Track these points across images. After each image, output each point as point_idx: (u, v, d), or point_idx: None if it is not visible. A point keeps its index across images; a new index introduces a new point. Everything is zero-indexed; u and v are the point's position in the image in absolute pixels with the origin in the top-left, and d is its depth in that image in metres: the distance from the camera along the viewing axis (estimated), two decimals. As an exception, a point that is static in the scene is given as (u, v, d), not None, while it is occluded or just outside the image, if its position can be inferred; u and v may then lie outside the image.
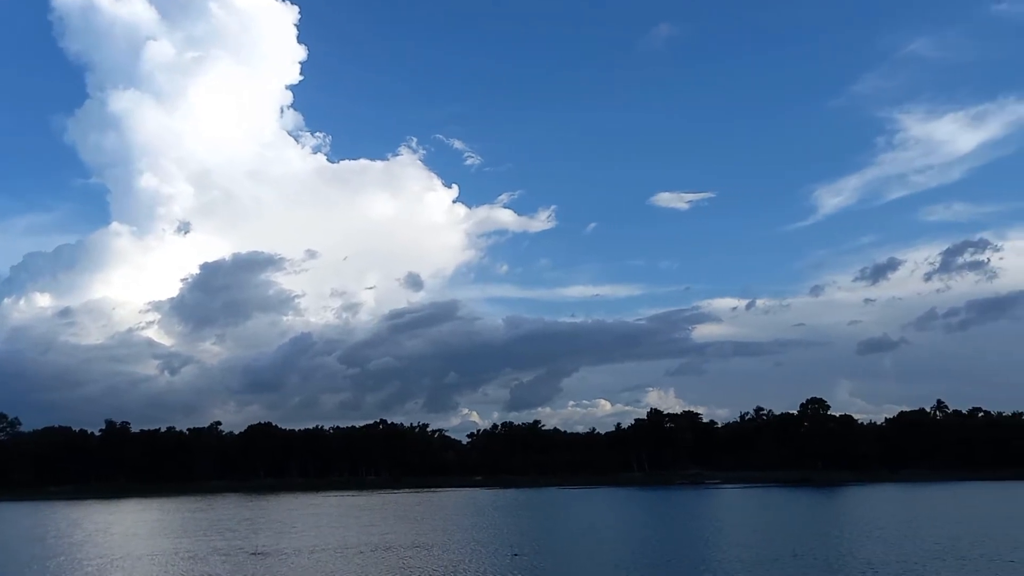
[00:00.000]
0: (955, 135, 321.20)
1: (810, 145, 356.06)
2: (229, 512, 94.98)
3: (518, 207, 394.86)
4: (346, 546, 51.32)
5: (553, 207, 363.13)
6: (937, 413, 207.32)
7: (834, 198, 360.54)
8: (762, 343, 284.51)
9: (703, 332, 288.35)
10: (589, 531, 64.30)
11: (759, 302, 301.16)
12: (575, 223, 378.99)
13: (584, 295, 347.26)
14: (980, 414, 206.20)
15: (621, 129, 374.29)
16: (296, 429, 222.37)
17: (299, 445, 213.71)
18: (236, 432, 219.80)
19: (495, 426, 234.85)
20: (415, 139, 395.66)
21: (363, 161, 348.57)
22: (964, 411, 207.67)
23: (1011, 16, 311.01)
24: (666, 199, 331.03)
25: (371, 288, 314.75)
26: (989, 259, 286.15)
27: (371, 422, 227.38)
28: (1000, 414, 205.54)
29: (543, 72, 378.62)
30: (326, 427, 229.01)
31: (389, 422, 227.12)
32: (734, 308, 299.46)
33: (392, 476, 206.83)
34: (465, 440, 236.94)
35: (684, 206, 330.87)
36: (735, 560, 41.92)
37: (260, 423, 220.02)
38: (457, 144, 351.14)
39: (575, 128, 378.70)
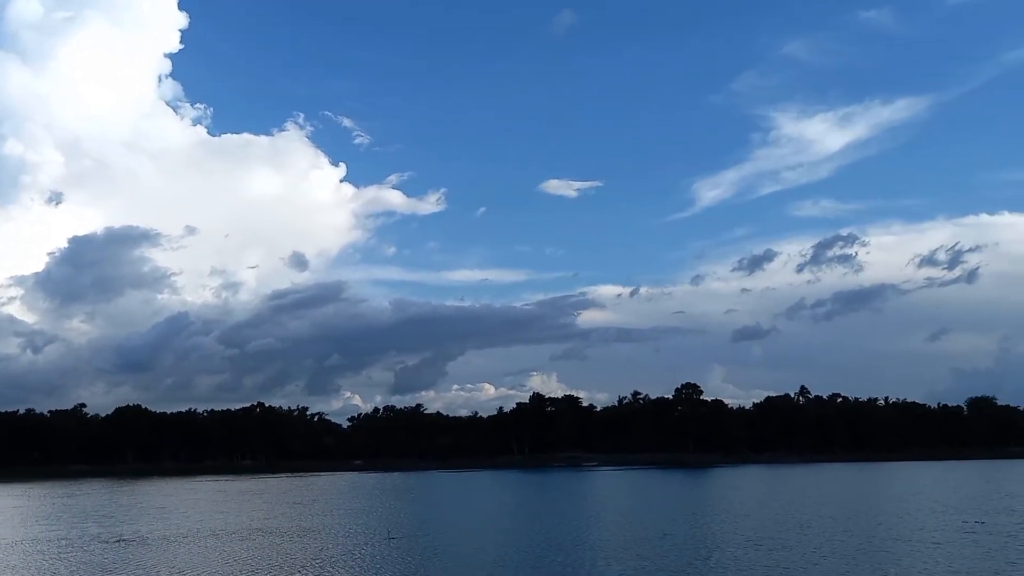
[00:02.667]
0: (824, 135, 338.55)
1: (691, 139, 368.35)
2: (103, 498, 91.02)
3: (407, 189, 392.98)
4: (228, 531, 50.23)
5: (443, 190, 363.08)
6: (800, 398, 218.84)
7: (712, 191, 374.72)
8: (643, 329, 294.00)
9: (588, 318, 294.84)
10: (465, 513, 64.99)
11: (642, 290, 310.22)
12: (464, 207, 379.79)
13: (471, 279, 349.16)
14: (839, 399, 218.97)
15: (514, 115, 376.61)
16: (168, 412, 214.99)
17: (171, 428, 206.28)
18: (103, 415, 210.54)
19: (377, 409, 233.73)
20: (302, 115, 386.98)
21: (246, 135, 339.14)
22: (824, 396, 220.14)
23: (876, 23, 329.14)
24: (555, 186, 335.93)
25: (253, 267, 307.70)
26: (857, 253, 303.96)
27: (248, 405, 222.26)
28: (856, 400, 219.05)
29: (438, 53, 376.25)
30: (200, 410, 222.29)
31: (267, 405, 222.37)
32: (618, 295, 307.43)
33: (269, 461, 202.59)
34: (346, 424, 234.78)
35: (572, 194, 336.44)
36: (607, 539, 43.22)
37: (129, 405, 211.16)
38: (346, 122, 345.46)
39: (467, 111, 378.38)
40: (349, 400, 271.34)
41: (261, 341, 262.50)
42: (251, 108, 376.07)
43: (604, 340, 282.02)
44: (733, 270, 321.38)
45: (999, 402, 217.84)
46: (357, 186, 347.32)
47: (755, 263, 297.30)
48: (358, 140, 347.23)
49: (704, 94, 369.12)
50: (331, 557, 38.41)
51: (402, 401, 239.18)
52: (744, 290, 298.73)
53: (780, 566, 33.03)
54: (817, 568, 32.55)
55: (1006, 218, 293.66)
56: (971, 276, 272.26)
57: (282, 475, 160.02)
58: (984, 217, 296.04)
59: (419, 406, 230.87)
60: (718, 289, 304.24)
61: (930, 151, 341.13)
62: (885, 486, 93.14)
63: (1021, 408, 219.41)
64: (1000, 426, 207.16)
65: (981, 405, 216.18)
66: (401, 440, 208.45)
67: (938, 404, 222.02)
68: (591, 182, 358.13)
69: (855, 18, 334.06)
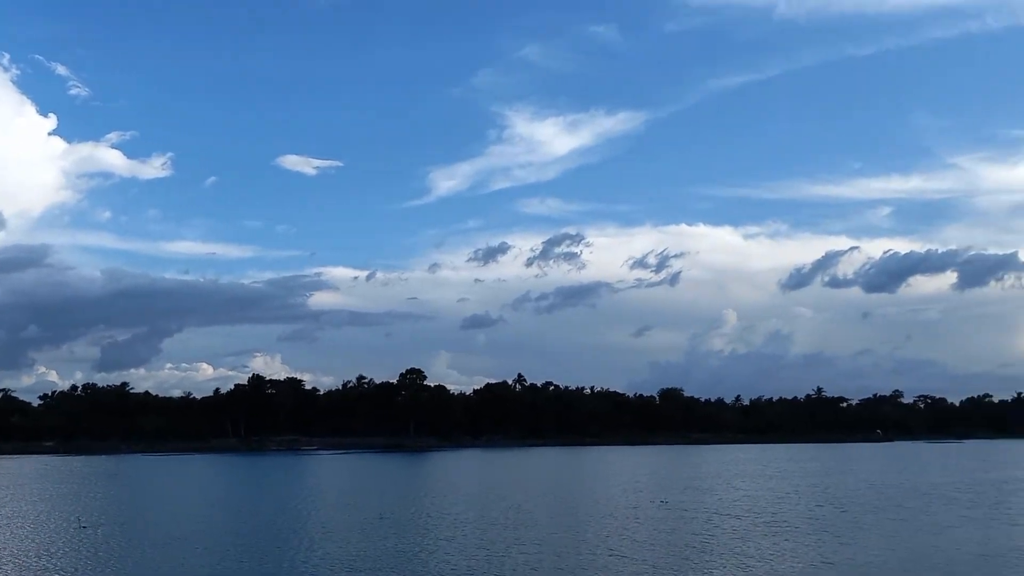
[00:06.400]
0: (553, 138, 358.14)
1: (430, 128, 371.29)
2: None
3: (129, 150, 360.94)
4: None
5: (169, 155, 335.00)
6: (517, 385, 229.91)
7: (448, 181, 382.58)
8: (376, 314, 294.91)
9: (320, 300, 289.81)
10: (167, 499, 61.43)
11: (379, 274, 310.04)
12: (192, 175, 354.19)
13: (194, 252, 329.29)
14: (551, 387, 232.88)
15: (256, 83, 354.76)
16: None
17: None
18: None
19: (75, 387, 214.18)
20: (7, 55, 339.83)
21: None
22: (539, 384, 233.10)
23: (604, 39, 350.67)
24: (293, 162, 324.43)
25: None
26: (581, 252, 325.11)
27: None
28: (566, 388, 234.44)
29: (180, 9, 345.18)
30: None
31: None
32: (355, 278, 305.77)
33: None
34: (37, 402, 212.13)
35: (311, 171, 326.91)
36: (319, 525, 42.51)
37: None
38: (60, 70, 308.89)
39: (204, 73, 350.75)
40: (44, 376, 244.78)
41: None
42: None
43: (335, 323, 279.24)
44: (468, 260, 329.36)
45: (686, 393, 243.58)
46: (69, 141, 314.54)
47: (490, 255, 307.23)
48: (74, 91, 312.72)
49: (446, 86, 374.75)
50: (11, 548, 34.53)
51: (107, 379, 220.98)
52: (478, 280, 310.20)
53: (490, 543, 34.50)
54: (525, 547, 34.34)
55: (702, 229, 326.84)
56: (674, 279, 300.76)
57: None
58: (684, 227, 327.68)
59: (125, 384, 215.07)
60: (453, 278, 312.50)
61: (642, 163, 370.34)
62: (588, 468, 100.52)
63: (702, 399, 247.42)
64: (685, 415, 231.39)
65: (671, 395, 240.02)
66: (102, 421, 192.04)
67: (635, 394, 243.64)
68: (331, 161, 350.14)
69: (586, 31, 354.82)
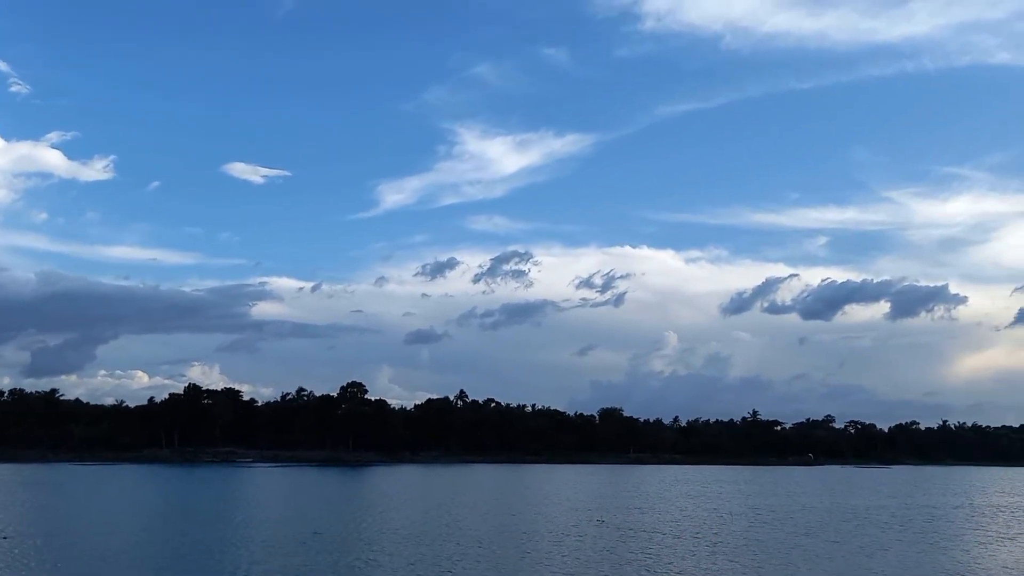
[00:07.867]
0: (503, 156, 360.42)
1: (380, 142, 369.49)
2: None
3: (70, 150, 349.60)
4: None
5: (112, 157, 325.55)
6: (459, 402, 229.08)
7: (396, 195, 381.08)
8: (320, 325, 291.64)
9: (263, 310, 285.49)
10: (94, 510, 59.48)
11: (324, 286, 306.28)
12: (135, 178, 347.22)
13: (134, 257, 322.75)
14: (492, 404, 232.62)
15: (205, 88, 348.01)
16: None
17: None
18: None
19: (2, 392, 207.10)
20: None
21: None
22: (480, 401, 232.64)
23: (555, 61, 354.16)
24: (240, 169, 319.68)
25: None
26: (529, 270, 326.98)
27: None
28: (508, 405, 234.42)
29: (131, 10, 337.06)
30: None
31: None
32: (300, 289, 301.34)
33: None
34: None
35: (259, 180, 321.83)
36: (252, 540, 41.53)
37: None
38: (0, 66, 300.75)
39: (152, 75, 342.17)
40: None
41: None
42: None
43: (278, 334, 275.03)
44: (416, 275, 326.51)
45: (625, 413, 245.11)
46: (7, 140, 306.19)
47: (438, 270, 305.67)
48: (14, 88, 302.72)
49: (397, 100, 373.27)
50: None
51: (37, 385, 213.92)
52: (424, 295, 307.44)
53: (427, 560, 34.24)
54: (463, 564, 34.19)
55: (645, 252, 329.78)
56: (618, 300, 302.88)
57: None
58: (628, 249, 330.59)
59: (55, 391, 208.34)
60: (399, 292, 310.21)
61: (589, 184, 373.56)
62: (528, 486, 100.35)
63: (641, 419, 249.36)
64: (624, 434, 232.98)
65: (610, 415, 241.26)
66: (30, 428, 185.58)
67: (576, 413, 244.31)
68: (279, 170, 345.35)
69: (537, 52, 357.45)
